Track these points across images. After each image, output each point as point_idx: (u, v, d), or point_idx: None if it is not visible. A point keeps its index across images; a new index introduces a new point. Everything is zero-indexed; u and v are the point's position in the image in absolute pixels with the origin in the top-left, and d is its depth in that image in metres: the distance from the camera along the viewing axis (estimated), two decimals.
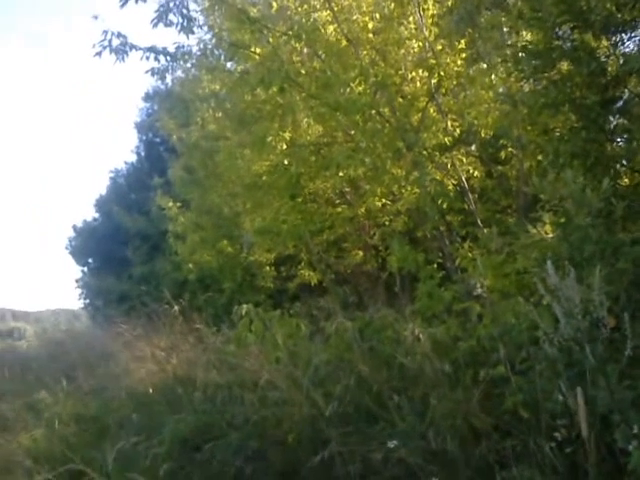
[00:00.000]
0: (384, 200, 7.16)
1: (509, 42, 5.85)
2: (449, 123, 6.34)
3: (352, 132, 6.45)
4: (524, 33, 5.32)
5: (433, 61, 6.10)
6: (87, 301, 19.38)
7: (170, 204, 11.09)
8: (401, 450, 2.75)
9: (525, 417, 2.55)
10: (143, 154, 18.06)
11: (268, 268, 9.85)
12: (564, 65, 4.21)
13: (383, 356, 3.86)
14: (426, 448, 2.76)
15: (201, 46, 6.50)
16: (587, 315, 2.33)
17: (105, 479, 3.12)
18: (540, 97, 4.04)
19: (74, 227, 19.20)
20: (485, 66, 6.54)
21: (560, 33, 4.20)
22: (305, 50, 6.59)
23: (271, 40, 6.15)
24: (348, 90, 6.03)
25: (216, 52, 6.49)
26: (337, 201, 7.89)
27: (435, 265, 5.81)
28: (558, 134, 4.07)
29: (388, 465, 2.90)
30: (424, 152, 6.11)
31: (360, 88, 6.06)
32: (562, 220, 3.07)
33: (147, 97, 17.95)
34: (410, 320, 4.07)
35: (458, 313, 4.32)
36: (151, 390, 5.66)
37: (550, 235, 3.34)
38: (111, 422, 5.03)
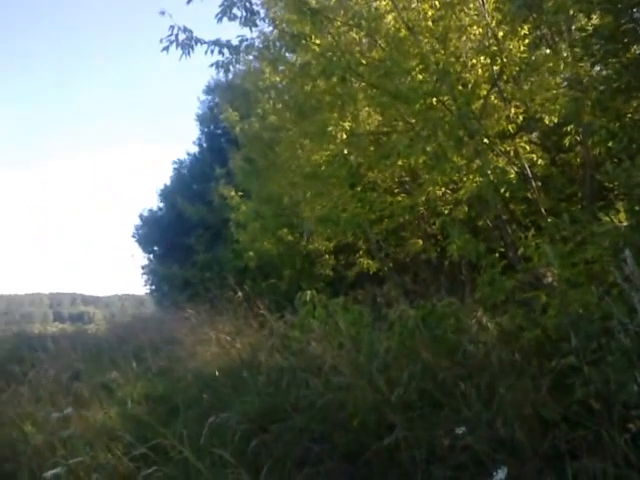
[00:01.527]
0: (444, 189, 7.11)
1: (573, 26, 5.70)
2: (512, 110, 6.22)
3: (412, 121, 6.43)
4: (593, 16, 5.16)
5: (495, 47, 5.99)
6: (153, 287, 20.11)
7: (232, 193, 11.38)
8: (468, 437, 2.78)
9: (596, 408, 2.53)
10: (205, 145, 18.51)
11: (327, 256, 9.97)
12: (637, 48, 4.08)
13: (447, 344, 3.88)
14: (493, 436, 2.77)
15: (262, 38, 6.63)
16: None
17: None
18: (612, 82, 3.92)
19: (140, 216, 19.96)
20: (548, 51, 6.39)
21: (633, 15, 4.07)
22: (364, 40, 6.60)
23: (331, 31, 6.19)
24: (409, 79, 6.02)
25: (277, 44, 6.57)
26: (396, 190, 7.88)
27: (497, 254, 5.77)
28: (631, 119, 3.95)
29: (454, 452, 2.93)
30: (485, 140, 6.03)
31: (420, 76, 6.04)
32: (637, 208, 3.00)
33: (208, 90, 18.37)
34: (473, 309, 4.08)
35: (520, 302, 4.29)
36: (217, 372, 5.84)
37: (624, 223, 3.26)
38: (179, 402, 5.23)
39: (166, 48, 5.97)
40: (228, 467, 3.36)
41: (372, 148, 7.03)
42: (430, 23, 6.26)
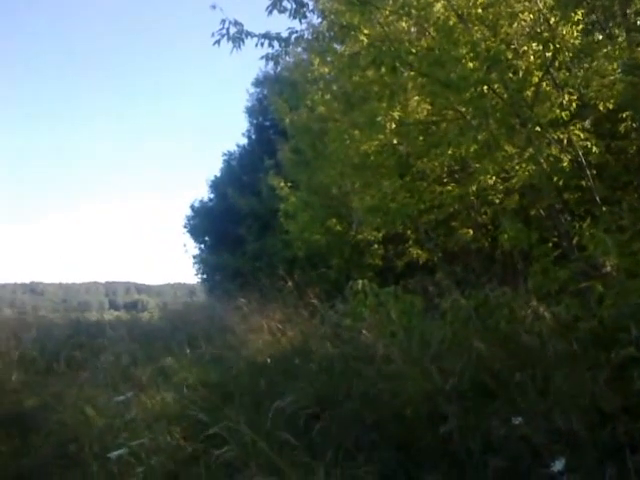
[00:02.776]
0: (495, 178, 7.03)
1: (628, 10, 5.53)
2: (566, 97, 6.09)
3: (462, 109, 6.36)
4: None
5: (547, 34, 5.85)
6: (204, 276, 20.57)
7: (281, 184, 11.50)
8: (523, 428, 2.76)
9: None
10: (254, 137, 18.74)
11: (376, 246, 9.98)
12: None
13: (500, 334, 3.86)
14: (550, 427, 2.75)
15: (310, 30, 6.66)
16: None
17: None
18: None
19: (192, 207, 20.44)
20: (601, 37, 6.22)
21: None
22: (413, 29, 6.55)
23: (380, 20, 6.17)
24: (459, 67, 5.95)
25: (326, 35, 6.59)
26: (446, 179, 7.82)
27: (550, 244, 5.68)
28: None
29: (509, 442, 2.92)
30: (537, 128, 5.93)
31: (471, 64, 5.96)
32: None
33: (257, 82, 18.56)
34: (527, 298, 4.04)
35: (575, 292, 4.23)
36: (268, 360, 5.95)
37: None
38: (233, 388, 5.35)
39: (217, 42, 6.07)
40: (284, 450, 3.43)
41: (421, 137, 6.99)
42: (480, 10, 6.16)
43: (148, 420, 4.77)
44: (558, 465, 2.51)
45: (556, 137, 6.19)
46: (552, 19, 5.83)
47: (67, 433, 4.94)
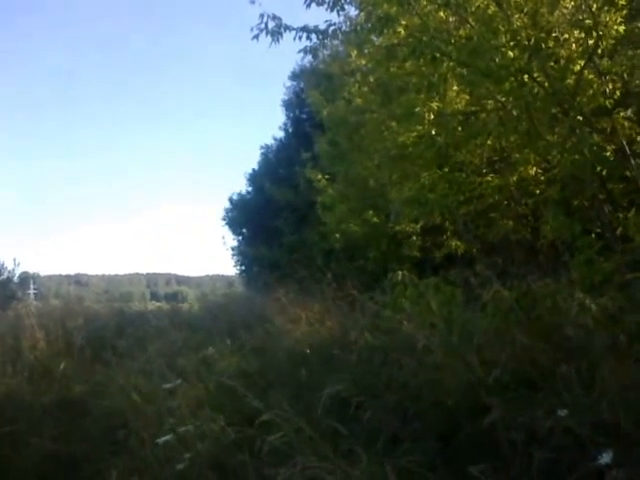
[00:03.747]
0: (536, 168, 6.93)
1: None
2: (609, 85, 5.96)
3: (503, 99, 6.29)
4: None
5: (589, 21, 5.73)
6: (242, 268, 20.93)
7: (319, 177, 11.57)
8: (569, 420, 2.75)
9: None
10: (290, 130, 18.88)
11: (414, 237, 9.96)
12: None
13: (544, 326, 3.83)
14: (596, 420, 2.73)
15: (347, 23, 6.67)
16: None
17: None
18: None
19: (230, 200, 20.78)
20: None
21: None
22: (451, 19, 6.50)
23: (419, 11, 6.14)
24: (499, 56, 5.89)
25: (364, 27, 6.59)
26: (485, 170, 7.74)
27: (593, 235, 5.59)
28: None
29: (554, 435, 2.91)
30: (580, 117, 5.82)
31: (511, 53, 5.89)
32: None
33: (294, 76, 18.66)
34: (571, 290, 3.99)
35: (620, 284, 4.17)
36: (308, 350, 6.01)
37: None
38: (273, 378, 5.43)
39: (256, 36, 6.16)
40: (326, 438, 3.47)
41: (460, 128, 6.94)
42: None
43: (192, 407, 4.87)
44: (605, 458, 2.49)
45: (599, 126, 6.08)
46: (594, 5, 5.70)
47: (116, 419, 5.06)
